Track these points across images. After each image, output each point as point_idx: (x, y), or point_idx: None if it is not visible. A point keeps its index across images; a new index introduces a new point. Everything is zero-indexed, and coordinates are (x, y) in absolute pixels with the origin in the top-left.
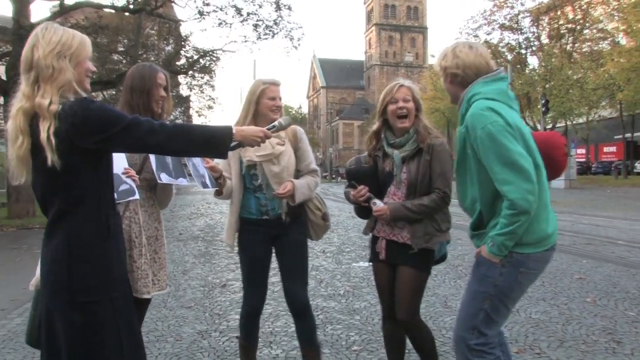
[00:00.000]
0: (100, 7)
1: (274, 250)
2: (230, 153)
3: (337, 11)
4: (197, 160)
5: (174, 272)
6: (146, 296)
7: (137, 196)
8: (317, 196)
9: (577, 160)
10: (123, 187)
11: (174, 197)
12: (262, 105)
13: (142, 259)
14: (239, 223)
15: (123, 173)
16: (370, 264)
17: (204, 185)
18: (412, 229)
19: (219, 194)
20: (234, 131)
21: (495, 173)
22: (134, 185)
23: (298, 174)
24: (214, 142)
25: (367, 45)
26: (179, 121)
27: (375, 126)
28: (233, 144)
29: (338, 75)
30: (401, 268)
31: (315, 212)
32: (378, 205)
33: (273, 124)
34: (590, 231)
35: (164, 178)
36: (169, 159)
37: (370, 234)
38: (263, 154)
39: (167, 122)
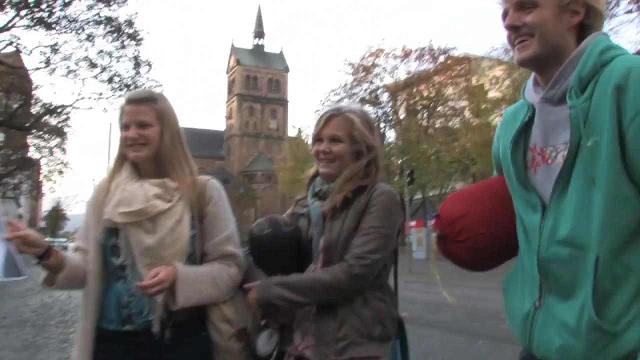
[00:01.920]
0: None
1: None
2: (90, 207)
3: (198, 79)
4: None
5: None
6: None
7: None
8: (233, 299)
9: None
10: None
11: None
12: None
13: None
14: (94, 334)
15: None
16: None
17: None
18: (318, 329)
19: (49, 284)
20: None
21: None
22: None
23: (204, 258)
24: None
25: (228, 114)
26: (24, 186)
27: (311, 170)
28: None
29: (198, 144)
30: None
31: (220, 326)
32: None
33: None
34: (470, 303)
35: None
36: None
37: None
38: (127, 210)
39: None
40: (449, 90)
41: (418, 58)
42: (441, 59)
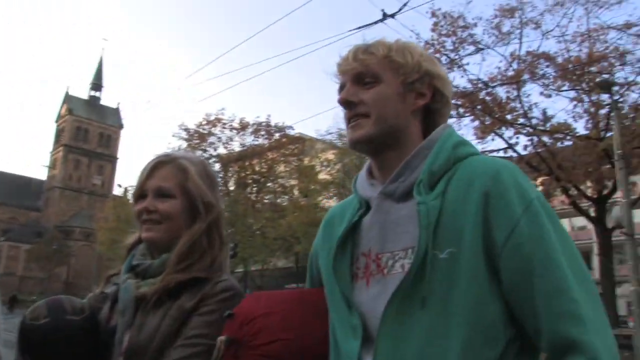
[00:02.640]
0: None
1: None
2: None
3: (24, 119)
4: None
5: None
6: None
7: None
8: None
9: None
10: None
11: None
12: None
13: None
14: None
15: None
16: None
17: None
18: None
19: None
20: None
21: (563, 292)
22: None
23: None
24: None
25: (52, 164)
26: None
27: (132, 236)
28: None
29: (10, 190)
30: None
31: None
32: None
33: None
34: None
35: None
36: None
37: None
38: None
39: None
40: (281, 168)
41: (254, 132)
42: (277, 136)
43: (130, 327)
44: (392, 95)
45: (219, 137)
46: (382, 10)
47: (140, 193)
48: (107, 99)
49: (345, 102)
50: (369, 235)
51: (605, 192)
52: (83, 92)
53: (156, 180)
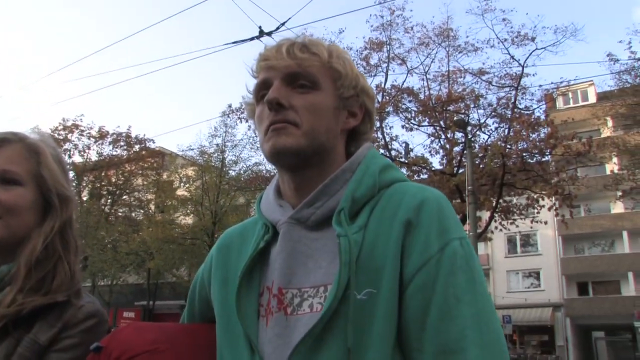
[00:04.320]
0: None
1: None
2: None
3: None
4: None
5: None
6: None
7: None
8: None
9: None
10: None
11: None
12: None
13: None
14: None
15: None
16: None
17: None
18: None
19: None
20: None
21: (454, 353)
22: None
23: None
24: None
25: None
26: None
27: None
28: None
29: None
30: None
31: None
32: None
33: None
34: None
35: None
36: None
37: None
38: None
39: None
40: (139, 181)
41: (113, 142)
42: (136, 148)
43: None
44: (329, 109)
45: (76, 145)
46: (260, 27)
47: None
48: None
49: (275, 103)
50: (273, 266)
51: None
52: None
53: None
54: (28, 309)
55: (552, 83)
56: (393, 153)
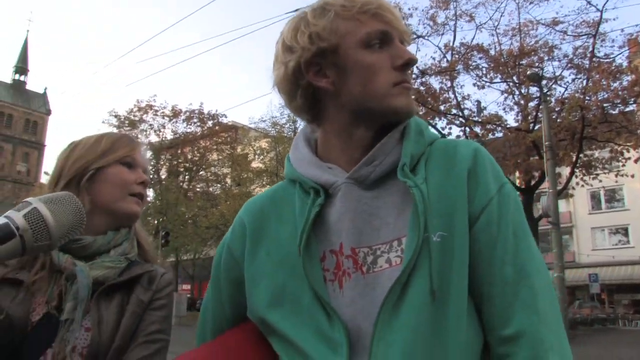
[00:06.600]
0: None
1: None
2: None
3: None
4: None
5: None
6: None
7: None
8: None
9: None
10: None
11: None
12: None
13: None
14: None
15: None
16: None
17: None
18: None
19: None
20: None
21: (523, 278)
22: None
23: None
24: None
25: None
26: None
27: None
28: None
29: None
30: None
31: None
32: None
33: None
34: None
35: None
36: None
37: None
38: None
39: None
40: (214, 156)
41: (187, 120)
42: (209, 123)
43: (85, 318)
44: None
45: (151, 125)
46: None
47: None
48: (33, 83)
49: (412, 64)
50: (336, 228)
51: (532, 182)
52: (6, 76)
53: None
54: (143, 273)
55: (636, 25)
56: (466, 112)
